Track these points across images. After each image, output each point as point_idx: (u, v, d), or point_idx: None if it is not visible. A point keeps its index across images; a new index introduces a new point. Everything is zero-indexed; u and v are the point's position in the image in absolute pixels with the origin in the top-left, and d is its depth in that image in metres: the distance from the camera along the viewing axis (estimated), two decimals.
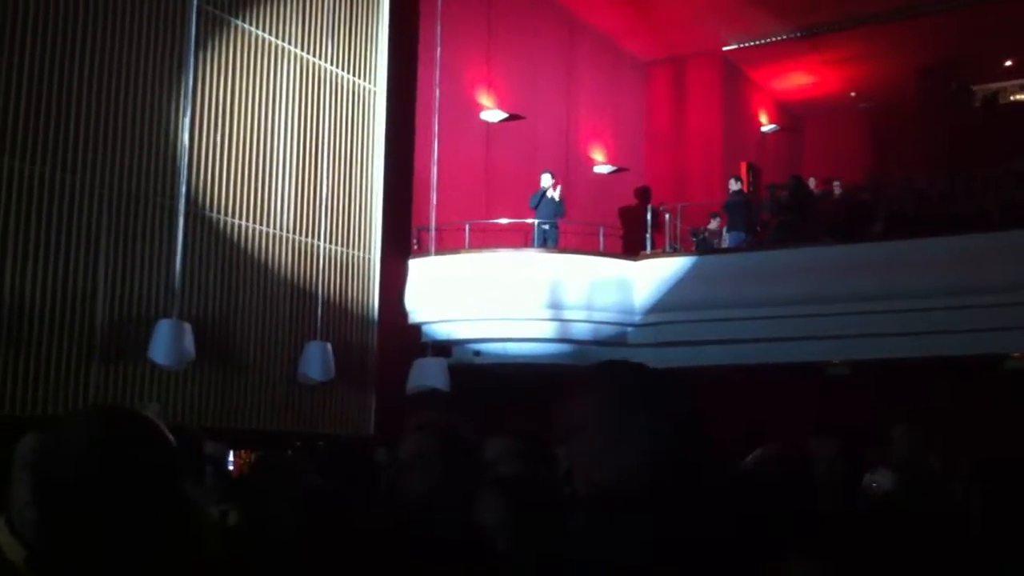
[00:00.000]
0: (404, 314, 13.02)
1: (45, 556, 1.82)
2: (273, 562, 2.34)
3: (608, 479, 1.93)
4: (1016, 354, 12.32)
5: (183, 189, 10.27)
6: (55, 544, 1.79)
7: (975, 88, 20.60)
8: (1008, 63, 19.80)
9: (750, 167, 19.32)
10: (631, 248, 15.03)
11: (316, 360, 11.26)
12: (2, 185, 8.78)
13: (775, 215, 14.94)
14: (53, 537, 1.80)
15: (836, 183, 15.96)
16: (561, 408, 2.04)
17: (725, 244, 14.83)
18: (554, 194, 13.96)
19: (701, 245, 15.06)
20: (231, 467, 9.70)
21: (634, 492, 1.86)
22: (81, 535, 1.75)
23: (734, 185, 15.16)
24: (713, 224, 15.62)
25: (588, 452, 1.98)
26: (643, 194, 17.11)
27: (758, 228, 15.14)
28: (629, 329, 13.48)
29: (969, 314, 11.74)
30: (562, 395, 2.07)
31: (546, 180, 14.07)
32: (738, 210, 14.76)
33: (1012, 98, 21.05)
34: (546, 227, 13.92)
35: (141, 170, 9.98)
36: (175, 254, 10.12)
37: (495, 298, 12.94)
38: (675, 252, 14.26)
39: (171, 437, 1.89)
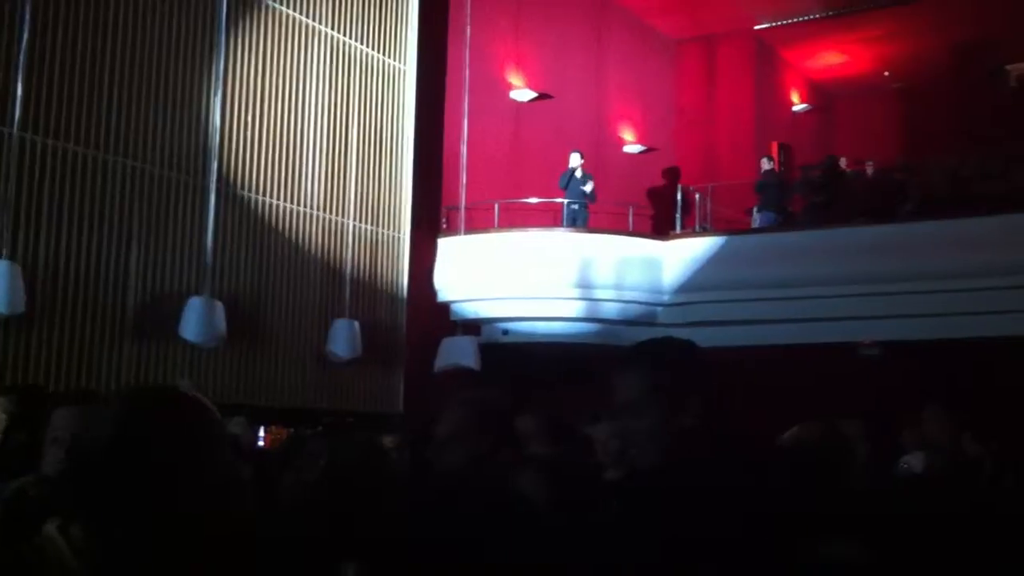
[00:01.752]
0: (433, 293, 13.04)
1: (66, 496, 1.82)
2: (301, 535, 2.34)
3: (656, 455, 1.93)
4: None
5: (214, 167, 10.33)
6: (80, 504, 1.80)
7: (1008, 67, 20.25)
8: None
9: (781, 147, 19.14)
10: (660, 228, 14.95)
11: (343, 338, 11.32)
12: (36, 164, 8.88)
13: (807, 195, 14.79)
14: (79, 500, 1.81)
15: (869, 163, 15.79)
16: (610, 383, 2.03)
17: (756, 224, 14.72)
18: (580, 178, 13.90)
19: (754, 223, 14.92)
20: (261, 443, 9.79)
21: (671, 474, 1.86)
22: (107, 512, 1.76)
23: (766, 165, 15.04)
24: None
25: (638, 429, 1.97)
26: (672, 174, 17.00)
27: (789, 208, 15.01)
28: (659, 309, 13.41)
29: (1002, 295, 11.62)
30: (611, 370, 2.05)
31: (575, 160, 14.02)
32: (770, 190, 14.65)
33: None
34: (575, 207, 13.87)
35: (173, 149, 10.06)
36: (206, 232, 10.19)
37: (524, 277, 12.91)
38: (705, 232, 14.18)
39: (216, 414, 1.89)
